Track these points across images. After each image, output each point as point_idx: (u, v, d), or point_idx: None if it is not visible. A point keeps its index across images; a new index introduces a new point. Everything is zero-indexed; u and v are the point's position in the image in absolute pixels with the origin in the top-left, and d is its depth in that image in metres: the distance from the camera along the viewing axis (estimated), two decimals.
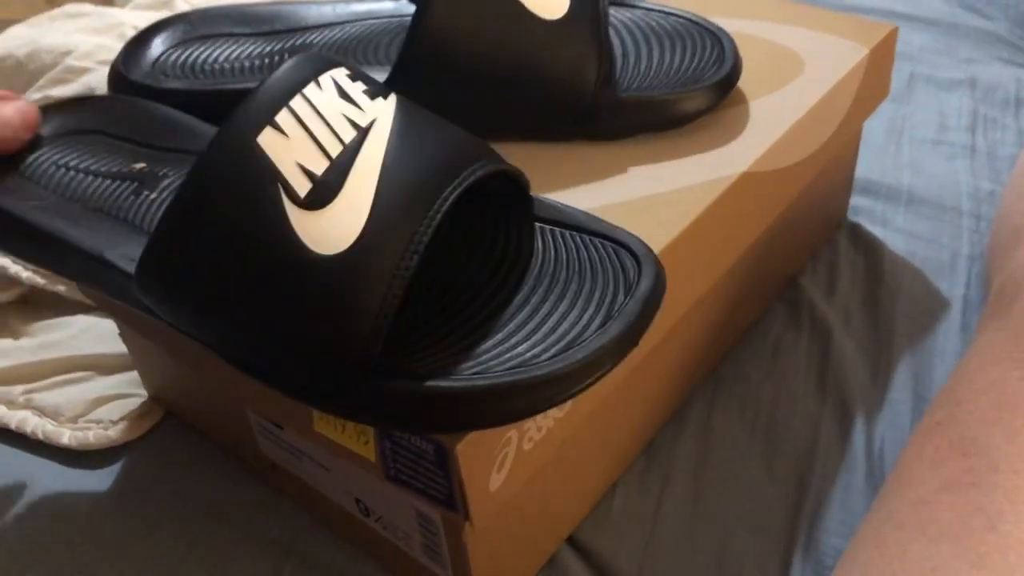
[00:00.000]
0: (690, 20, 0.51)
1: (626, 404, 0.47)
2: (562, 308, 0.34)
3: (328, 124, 0.35)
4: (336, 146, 0.35)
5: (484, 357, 0.33)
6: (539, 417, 0.38)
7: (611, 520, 0.48)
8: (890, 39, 0.55)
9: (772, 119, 0.48)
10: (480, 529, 0.39)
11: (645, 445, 0.51)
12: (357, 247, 0.33)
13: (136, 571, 0.47)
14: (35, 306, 0.62)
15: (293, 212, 0.33)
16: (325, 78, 0.37)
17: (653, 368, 0.48)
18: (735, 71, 0.48)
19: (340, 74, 0.37)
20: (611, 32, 0.50)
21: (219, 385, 0.47)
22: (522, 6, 0.45)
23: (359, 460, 0.39)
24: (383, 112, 0.36)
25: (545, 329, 0.34)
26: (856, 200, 0.65)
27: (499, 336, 0.34)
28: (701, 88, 0.47)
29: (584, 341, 0.33)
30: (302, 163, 0.34)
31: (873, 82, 0.55)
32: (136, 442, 0.54)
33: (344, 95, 0.36)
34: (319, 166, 0.34)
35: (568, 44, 0.45)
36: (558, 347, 0.33)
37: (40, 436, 0.53)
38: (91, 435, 0.53)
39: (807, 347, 0.56)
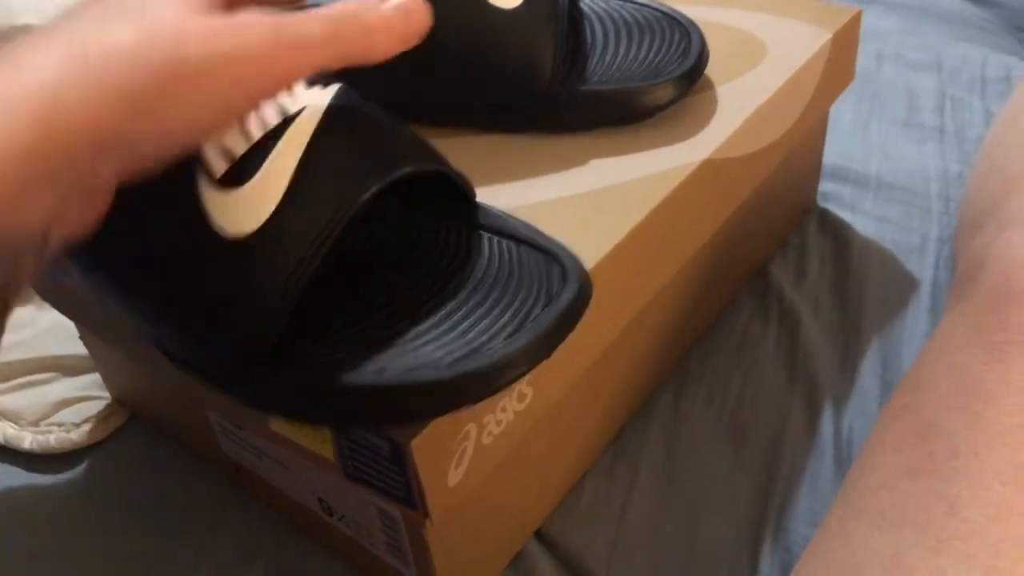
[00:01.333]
0: (663, 12, 0.50)
1: (592, 396, 0.47)
2: (478, 314, 0.33)
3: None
4: (259, 129, 0.34)
5: (387, 355, 0.32)
6: (498, 410, 0.37)
7: (579, 513, 0.47)
8: (854, 23, 0.55)
9: (734, 106, 0.47)
10: (440, 525, 0.39)
11: (614, 436, 0.51)
12: (264, 231, 0.32)
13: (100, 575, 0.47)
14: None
15: (207, 190, 0.33)
16: None
17: (619, 359, 0.47)
18: (699, 65, 0.47)
19: None
20: (586, 22, 0.50)
21: (179, 387, 0.47)
22: None
23: (318, 459, 0.38)
24: (316, 101, 0.35)
25: (455, 334, 0.33)
26: (825, 185, 0.65)
27: (407, 336, 0.33)
28: (662, 82, 0.46)
29: (489, 348, 0.32)
30: (223, 142, 0.34)
31: (838, 67, 0.55)
32: (100, 445, 0.53)
33: None
34: (239, 147, 0.34)
35: (522, 34, 0.45)
36: (462, 352, 0.32)
37: (1, 440, 0.52)
38: (52, 439, 0.52)
39: (775, 335, 0.55)
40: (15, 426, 0.53)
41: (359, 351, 0.33)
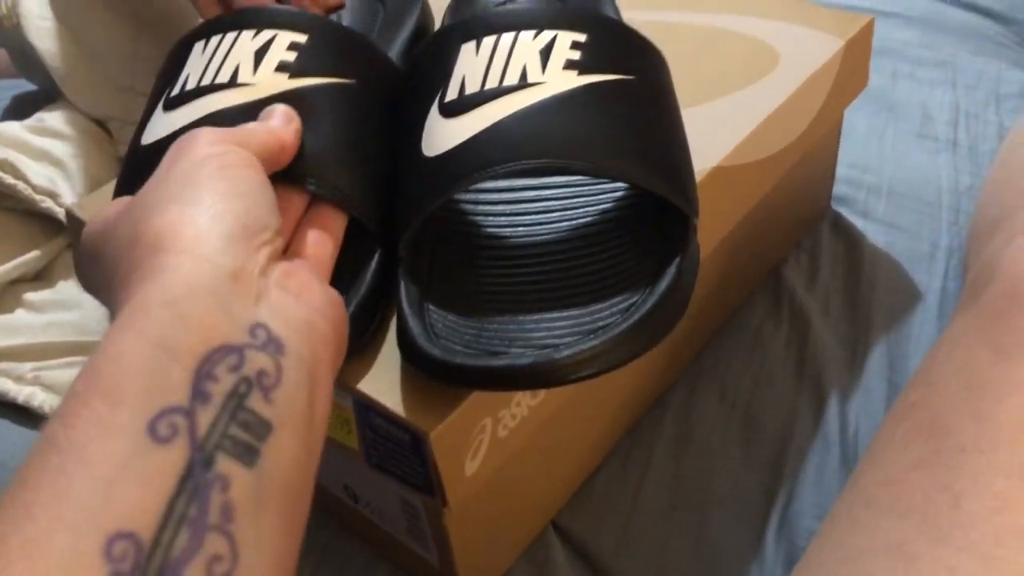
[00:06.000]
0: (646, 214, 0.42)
1: (605, 392, 0.48)
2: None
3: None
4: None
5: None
6: (513, 405, 0.39)
7: (592, 503, 0.49)
8: (867, 31, 0.56)
9: (745, 114, 0.49)
10: (458, 513, 0.41)
11: (627, 431, 0.52)
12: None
13: None
14: (48, 280, 0.63)
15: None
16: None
17: None
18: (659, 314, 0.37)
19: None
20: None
21: None
22: None
23: (344, 448, 0.40)
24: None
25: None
26: (839, 191, 0.66)
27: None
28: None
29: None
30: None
31: (850, 73, 0.56)
32: None
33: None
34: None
35: None
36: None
37: (47, 410, 0.55)
38: None
39: (786, 335, 0.57)
40: (61, 398, 0.55)
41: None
